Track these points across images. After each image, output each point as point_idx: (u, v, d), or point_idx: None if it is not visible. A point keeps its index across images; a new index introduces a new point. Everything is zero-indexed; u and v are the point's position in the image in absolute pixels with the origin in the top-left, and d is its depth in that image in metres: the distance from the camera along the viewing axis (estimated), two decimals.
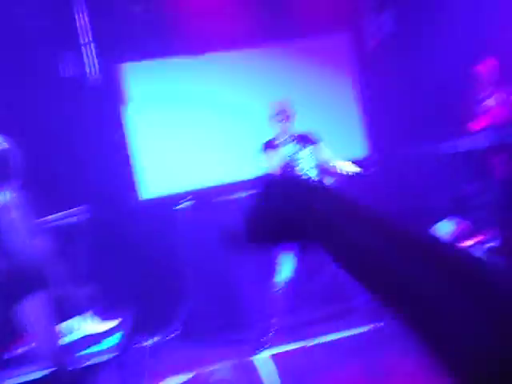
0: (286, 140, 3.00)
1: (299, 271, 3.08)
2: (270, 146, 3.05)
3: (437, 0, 4.18)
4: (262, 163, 3.06)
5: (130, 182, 4.04)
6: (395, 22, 4.34)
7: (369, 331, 3.09)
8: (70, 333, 2.68)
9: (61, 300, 2.16)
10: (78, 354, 2.52)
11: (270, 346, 3.09)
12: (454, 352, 0.37)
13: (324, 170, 3.12)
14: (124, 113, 4.01)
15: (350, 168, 3.00)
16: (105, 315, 3.60)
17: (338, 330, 3.18)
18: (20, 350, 2.95)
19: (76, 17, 3.57)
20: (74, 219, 3.10)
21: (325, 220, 0.48)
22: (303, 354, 2.98)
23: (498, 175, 3.69)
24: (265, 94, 3.85)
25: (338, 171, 3.02)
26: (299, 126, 3.10)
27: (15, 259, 1.91)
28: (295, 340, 3.15)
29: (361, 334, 3.09)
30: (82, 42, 3.64)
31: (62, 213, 2.98)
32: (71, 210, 3.11)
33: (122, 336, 3.27)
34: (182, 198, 3.84)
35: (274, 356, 3.02)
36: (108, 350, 3.10)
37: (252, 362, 3.01)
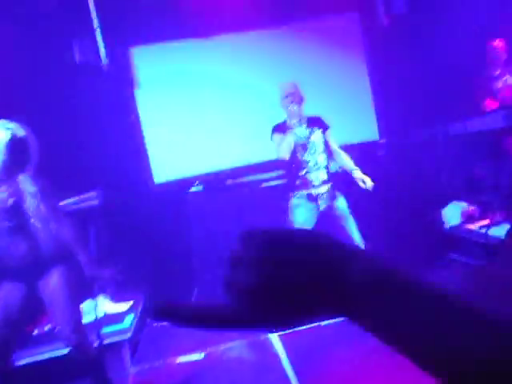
0: (296, 123, 2.98)
1: None
2: (280, 128, 3.05)
3: None
4: (273, 145, 3.06)
5: (143, 166, 4.09)
6: (407, 1, 4.25)
7: None
8: (87, 313, 2.77)
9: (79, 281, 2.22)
10: (94, 334, 2.61)
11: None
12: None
13: (332, 155, 3.13)
14: (136, 97, 4.04)
15: (366, 181, 2.99)
16: (119, 296, 3.71)
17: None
18: (44, 329, 3.08)
19: (88, 3, 3.58)
20: (89, 203, 3.17)
21: (363, 296, 0.39)
22: (312, 333, 3.04)
23: (510, 156, 3.65)
24: (275, 76, 3.83)
25: (355, 179, 3.02)
26: (310, 109, 3.08)
27: (36, 242, 1.98)
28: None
29: None
30: (93, 27, 3.65)
31: (77, 197, 3.05)
32: (86, 195, 3.18)
33: (135, 317, 3.38)
34: (195, 182, 3.88)
35: (283, 335, 3.08)
36: (122, 331, 3.21)
37: (262, 340, 3.08)
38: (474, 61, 3.85)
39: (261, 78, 4.16)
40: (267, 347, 3.01)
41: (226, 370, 2.87)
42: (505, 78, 3.77)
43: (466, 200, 3.92)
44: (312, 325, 3.11)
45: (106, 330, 3.10)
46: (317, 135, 3.05)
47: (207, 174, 4.03)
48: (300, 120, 3.01)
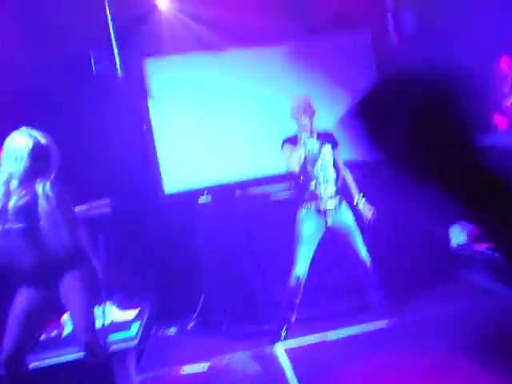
0: (307, 136, 3.02)
1: (316, 265, 3.13)
2: (291, 141, 3.09)
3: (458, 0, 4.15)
4: (284, 158, 3.10)
5: (154, 176, 4.14)
6: (417, 20, 4.31)
7: (384, 327, 3.13)
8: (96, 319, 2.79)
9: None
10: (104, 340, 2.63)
11: (286, 339, 3.15)
12: None
13: (339, 170, 3.16)
14: (149, 107, 4.11)
15: (369, 214, 3.09)
16: (125, 304, 3.73)
17: (353, 324, 3.22)
18: (51, 334, 3.11)
19: (106, 14, 3.69)
20: (100, 211, 3.22)
21: None
22: (318, 348, 3.04)
23: None
24: (287, 90, 3.88)
25: (359, 208, 3.10)
26: (320, 124, 3.12)
27: (51, 245, 2.02)
28: (310, 333, 3.21)
29: (376, 330, 3.13)
30: (109, 38, 3.76)
31: (89, 204, 3.10)
32: (97, 202, 3.23)
33: (142, 325, 3.39)
34: (204, 192, 3.92)
35: (288, 349, 3.09)
36: (128, 338, 3.22)
37: (267, 353, 3.08)
38: (483, 79, 3.88)
39: (273, 92, 4.22)
40: (272, 359, 3.01)
41: (230, 382, 2.87)
42: None
43: (468, 221, 3.92)
44: (318, 340, 3.12)
45: (113, 337, 3.12)
46: (327, 150, 3.08)
47: (217, 185, 4.07)
48: (311, 133, 3.05)
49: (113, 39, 3.80)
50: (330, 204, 3.07)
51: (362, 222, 3.17)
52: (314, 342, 3.13)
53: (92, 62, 3.76)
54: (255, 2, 4.03)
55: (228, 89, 4.23)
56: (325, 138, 3.10)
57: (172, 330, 3.70)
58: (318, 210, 3.06)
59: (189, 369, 3.07)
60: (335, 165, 3.14)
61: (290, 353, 3.03)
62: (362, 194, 3.14)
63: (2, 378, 2.13)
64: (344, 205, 3.14)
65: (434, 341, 2.78)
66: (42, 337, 3.15)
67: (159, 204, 4.10)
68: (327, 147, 3.09)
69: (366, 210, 3.11)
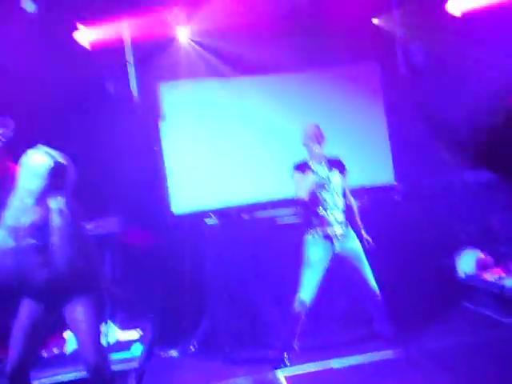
0: (317, 163, 3.06)
1: (322, 291, 3.11)
2: (301, 167, 3.12)
3: (467, 34, 4.26)
4: (294, 182, 3.13)
5: (162, 196, 4.19)
6: (426, 53, 4.42)
7: (388, 358, 3.08)
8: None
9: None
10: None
11: (288, 366, 3.10)
12: None
13: (346, 197, 3.19)
14: (161, 129, 4.21)
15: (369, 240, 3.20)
16: (128, 324, 3.71)
17: (356, 354, 3.17)
18: (53, 351, 3.09)
19: (123, 39, 3.84)
20: (108, 229, 3.25)
21: None
22: (320, 376, 2.99)
23: None
24: (297, 117, 3.98)
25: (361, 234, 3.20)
26: (329, 151, 3.17)
27: (62, 263, 2.04)
28: (313, 361, 3.16)
29: (381, 360, 3.07)
30: (126, 61, 3.90)
31: (98, 222, 3.14)
32: (106, 221, 3.26)
33: (144, 346, 3.36)
34: (212, 215, 3.95)
35: (290, 376, 3.03)
36: (129, 359, 3.19)
37: (269, 379, 3.03)
38: (491, 111, 3.95)
39: (281, 117, 4.31)
40: None
41: None
42: None
43: (480, 248, 3.91)
44: (320, 368, 3.06)
45: (114, 356, 3.09)
46: (336, 176, 3.12)
47: (224, 208, 4.10)
48: (320, 160, 3.09)
49: (129, 63, 3.93)
50: (337, 230, 3.08)
51: (369, 251, 3.17)
52: (316, 369, 3.07)
53: (109, 83, 3.88)
54: (267, 32, 4.17)
55: (238, 114, 4.34)
56: (334, 164, 3.15)
57: (173, 352, 3.65)
58: (326, 236, 3.07)
59: None
60: (343, 191, 3.17)
61: (292, 380, 2.98)
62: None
63: None
64: (351, 231, 3.15)
65: (441, 373, 2.73)
66: (44, 354, 3.13)
67: (166, 224, 4.13)
68: (336, 174, 3.13)
69: (367, 236, 3.17)
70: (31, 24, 3.60)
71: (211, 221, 3.90)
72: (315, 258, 3.06)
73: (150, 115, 4.18)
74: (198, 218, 4.00)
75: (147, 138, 4.16)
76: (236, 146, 4.31)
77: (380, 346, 3.18)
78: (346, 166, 3.20)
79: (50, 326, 2.28)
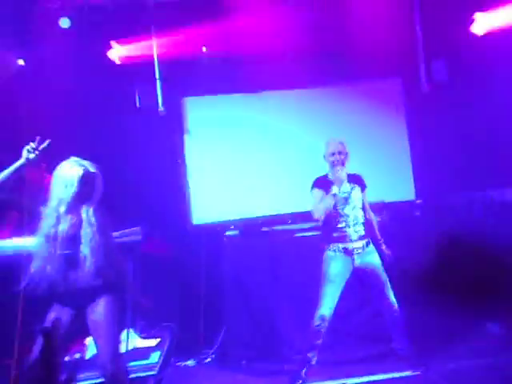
0: (338, 178, 3.08)
1: (341, 306, 3.10)
2: (321, 183, 3.15)
3: (489, 51, 4.25)
4: (313, 197, 3.15)
5: (184, 207, 4.28)
6: (448, 70, 4.42)
7: (408, 377, 3.04)
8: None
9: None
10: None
11: (305, 381, 3.09)
12: None
13: (366, 212, 3.20)
14: (185, 142, 4.31)
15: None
16: (147, 332, 3.77)
17: (375, 372, 3.14)
18: (78, 355, 3.16)
19: (152, 56, 3.99)
20: (132, 238, 3.33)
21: None
22: None
23: None
24: (318, 131, 4.03)
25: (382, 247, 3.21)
26: (350, 166, 3.20)
27: (88, 270, 2.11)
28: (331, 378, 3.14)
29: (399, 379, 3.04)
30: (154, 76, 4.04)
31: (122, 231, 3.22)
32: (130, 230, 3.34)
33: (162, 354, 3.40)
34: (231, 226, 4.01)
35: None
36: (147, 367, 3.24)
37: None
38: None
39: (303, 132, 4.37)
40: None
41: None
42: None
43: None
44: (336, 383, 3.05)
45: (132, 364, 3.14)
46: (357, 192, 3.14)
47: (244, 220, 4.15)
48: (342, 176, 3.08)
49: (157, 78, 4.07)
50: (357, 244, 3.09)
51: (389, 267, 3.16)
52: None
53: (137, 96, 4.02)
54: (290, 48, 4.24)
55: (259, 129, 4.41)
56: (354, 180, 3.16)
57: (190, 362, 3.69)
58: (346, 250, 3.08)
59: None
60: (363, 206, 3.18)
61: None
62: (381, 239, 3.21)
63: None
64: (371, 246, 3.15)
65: None
66: (66, 358, 3.20)
67: (186, 235, 4.20)
68: (357, 190, 3.14)
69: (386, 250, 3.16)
70: (65, 39, 3.77)
71: (231, 232, 3.95)
72: (335, 272, 3.07)
73: (174, 129, 4.29)
74: (217, 229, 4.06)
75: (171, 150, 4.27)
76: (257, 160, 4.37)
77: (398, 365, 3.15)
78: (366, 183, 3.21)
79: (74, 332, 2.34)
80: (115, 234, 3.17)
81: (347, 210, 3.09)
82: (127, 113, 3.98)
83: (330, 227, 3.11)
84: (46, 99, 3.49)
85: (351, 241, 3.08)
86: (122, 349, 2.85)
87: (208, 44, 4.23)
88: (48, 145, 2.27)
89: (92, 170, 2.24)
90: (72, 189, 2.15)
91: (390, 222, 3.76)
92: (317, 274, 3.12)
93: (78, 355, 3.32)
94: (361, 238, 3.10)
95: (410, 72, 4.52)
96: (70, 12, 3.84)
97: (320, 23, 4.28)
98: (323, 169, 3.23)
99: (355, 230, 3.09)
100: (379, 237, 3.21)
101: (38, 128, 2.56)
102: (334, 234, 3.10)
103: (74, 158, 2.26)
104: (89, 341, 3.33)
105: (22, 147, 2.26)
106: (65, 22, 3.81)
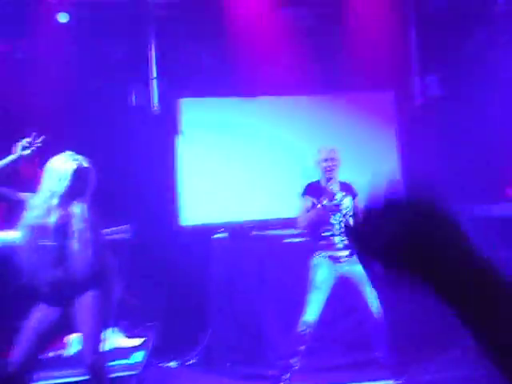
0: (329, 185, 3.11)
1: (325, 314, 3.12)
2: (312, 190, 3.18)
3: (483, 66, 4.33)
4: (302, 204, 3.18)
5: (172, 207, 4.27)
6: (441, 84, 4.50)
7: None
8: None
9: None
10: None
11: None
12: None
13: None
14: (177, 143, 4.31)
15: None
16: (130, 332, 3.74)
17: (357, 380, 3.16)
18: (61, 352, 3.13)
19: (148, 54, 3.99)
20: (120, 236, 3.32)
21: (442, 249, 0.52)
22: None
23: None
24: (309, 138, 4.07)
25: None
26: (342, 175, 3.23)
27: (75, 264, 2.10)
28: (313, 383, 3.15)
29: None
30: (149, 76, 4.04)
31: (111, 228, 3.21)
32: (119, 227, 3.33)
33: (144, 354, 3.38)
34: (221, 229, 4.01)
35: None
36: (129, 366, 3.22)
37: None
38: (504, 146, 3.99)
39: (295, 139, 4.40)
40: None
41: None
42: None
43: None
44: None
45: (114, 363, 3.11)
46: (347, 200, 3.17)
47: (233, 223, 4.16)
48: (333, 183, 3.13)
49: (152, 78, 4.07)
50: (343, 253, 3.12)
51: (375, 277, 3.18)
52: None
53: (132, 95, 4.02)
54: (286, 55, 4.29)
55: (253, 133, 4.43)
56: (345, 188, 3.20)
57: (173, 364, 3.67)
58: (332, 258, 3.11)
59: None
60: (353, 215, 3.21)
61: None
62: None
63: None
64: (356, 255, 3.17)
65: None
66: (50, 354, 3.16)
67: (175, 236, 4.19)
68: (348, 198, 3.18)
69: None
70: (63, 34, 3.76)
71: (220, 235, 3.95)
72: (321, 279, 3.09)
73: (168, 129, 4.29)
74: (206, 231, 4.06)
75: (163, 150, 4.26)
76: (249, 164, 4.39)
77: (381, 373, 3.17)
78: (357, 191, 3.25)
79: (57, 330, 2.32)
80: (105, 230, 3.17)
81: (336, 219, 3.12)
82: (122, 111, 3.98)
83: (317, 235, 3.14)
84: (40, 94, 3.46)
85: (337, 249, 3.11)
86: (105, 347, 2.84)
87: (207, 45, 4.25)
88: (42, 141, 2.26)
89: (86, 164, 2.23)
90: (65, 182, 2.15)
91: None
92: (304, 279, 3.15)
93: (61, 351, 3.29)
94: (347, 246, 3.13)
95: (403, 85, 4.60)
96: (68, 7, 3.83)
97: (316, 32, 4.34)
98: (314, 176, 3.26)
99: (342, 238, 3.12)
100: None
101: (32, 123, 2.55)
102: (321, 242, 3.13)
103: (68, 152, 2.25)
104: (69, 339, 3.30)
105: (15, 142, 2.25)
106: (63, 17, 3.80)
